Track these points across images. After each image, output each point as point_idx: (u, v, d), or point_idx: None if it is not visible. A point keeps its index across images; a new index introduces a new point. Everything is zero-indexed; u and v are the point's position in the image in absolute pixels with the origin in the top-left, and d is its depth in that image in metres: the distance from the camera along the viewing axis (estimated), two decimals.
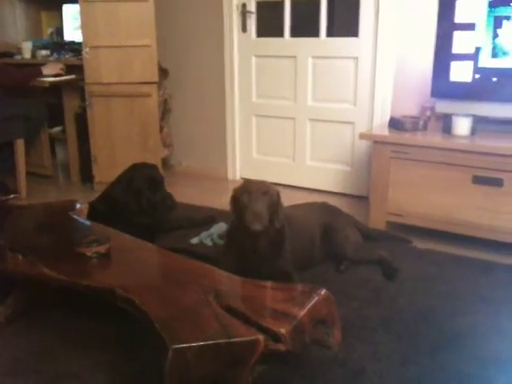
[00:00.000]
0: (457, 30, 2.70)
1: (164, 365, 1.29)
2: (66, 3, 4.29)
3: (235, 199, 2.11)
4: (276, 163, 3.90)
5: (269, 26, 3.83)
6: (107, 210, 2.54)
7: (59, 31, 4.46)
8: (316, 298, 1.55)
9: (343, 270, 2.41)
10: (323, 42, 3.52)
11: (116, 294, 1.60)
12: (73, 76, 3.76)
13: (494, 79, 2.67)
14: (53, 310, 2.12)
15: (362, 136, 2.94)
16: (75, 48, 4.01)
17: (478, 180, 2.58)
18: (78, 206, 2.46)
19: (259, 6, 3.72)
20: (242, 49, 3.82)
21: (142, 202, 2.59)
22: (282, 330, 1.40)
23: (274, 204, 2.08)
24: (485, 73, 2.68)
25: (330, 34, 3.54)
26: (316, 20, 3.49)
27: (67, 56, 4.03)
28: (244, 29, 3.77)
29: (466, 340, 1.90)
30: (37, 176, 4.02)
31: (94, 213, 2.46)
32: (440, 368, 1.74)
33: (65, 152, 4.28)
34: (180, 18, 3.98)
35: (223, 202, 2.58)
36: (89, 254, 1.85)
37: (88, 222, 2.32)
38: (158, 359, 1.36)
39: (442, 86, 2.80)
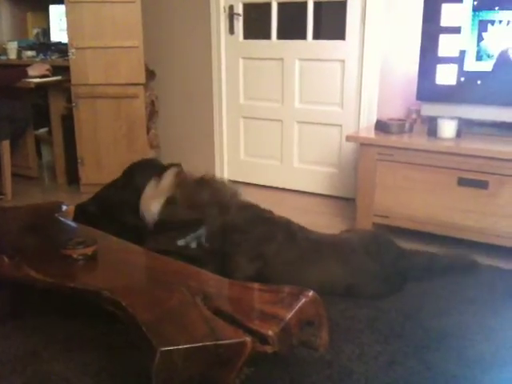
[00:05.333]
0: (442, 33, 2.73)
1: (151, 367, 1.29)
2: (52, 4, 4.26)
3: None
4: (264, 165, 3.91)
5: (256, 28, 3.84)
6: (99, 211, 2.52)
7: (45, 32, 4.43)
8: (303, 300, 1.55)
9: None
10: (310, 44, 3.53)
11: (102, 297, 1.59)
12: (59, 77, 3.72)
13: (479, 82, 2.69)
14: (38, 312, 2.10)
15: (349, 138, 2.96)
16: (62, 49, 3.98)
17: (463, 182, 2.60)
18: (64, 207, 2.45)
19: (246, 8, 3.73)
20: (230, 51, 3.82)
21: (142, 184, 2.54)
22: (270, 332, 1.40)
23: None
24: (470, 76, 2.71)
25: (316, 36, 3.56)
26: (303, 22, 3.50)
27: (53, 57, 4.00)
28: (231, 31, 3.77)
29: (452, 340, 1.91)
30: (22, 177, 3.99)
31: (84, 214, 2.44)
32: (427, 368, 1.76)
33: (51, 153, 4.25)
34: (167, 19, 3.97)
35: None
36: (75, 256, 1.84)
37: (74, 224, 2.30)
38: (144, 361, 1.35)
39: (427, 88, 2.82)
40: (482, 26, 2.63)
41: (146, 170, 2.62)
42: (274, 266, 2.24)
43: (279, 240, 2.28)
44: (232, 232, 2.34)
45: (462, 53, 2.70)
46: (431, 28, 2.75)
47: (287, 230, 2.34)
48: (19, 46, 4.11)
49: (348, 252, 2.28)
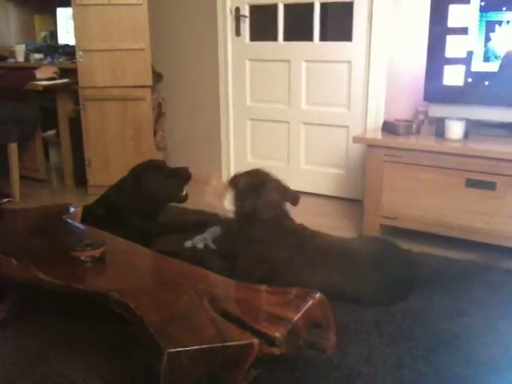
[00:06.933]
0: (449, 34, 2.72)
1: (158, 369, 1.29)
2: (59, 7, 4.28)
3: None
4: (270, 167, 3.87)
5: (262, 30, 3.84)
6: (105, 213, 2.51)
7: (53, 34, 4.45)
8: (311, 302, 1.55)
9: None
10: (317, 46, 3.53)
11: (110, 298, 1.60)
12: (66, 80, 3.74)
13: (487, 83, 2.68)
14: (45, 314, 2.11)
15: (356, 140, 2.95)
16: (69, 51, 3.99)
17: (471, 183, 2.59)
18: (71, 209, 2.45)
19: (253, 9, 3.73)
20: (236, 53, 3.83)
21: (149, 187, 2.54)
22: (277, 334, 1.39)
23: None
24: (477, 76, 2.70)
25: (323, 38, 3.56)
26: (309, 24, 3.50)
27: (61, 59, 4.02)
28: (238, 33, 3.77)
29: (460, 343, 1.90)
30: (30, 180, 4.01)
31: (90, 216, 2.44)
32: (435, 371, 1.75)
33: (58, 155, 4.27)
34: (174, 21, 3.98)
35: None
36: (83, 257, 1.84)
37: (82, 226, 2.30)
38: (151, 363, 1.35)
39: (434, 89, 2.81)
40: (490, 27, 2.62)
41: (152, 173, 2.61)
42: (278, 271, 2.23)
43: (288, 247, 2.29)
44: (241, 236, 2.36)
45: (470, 53, 2.69)
46: (438, 29, 2.74)
47: (297, 238, 2.33)
48: (27, 49, 4.13)
49: (353, 262, 2.22)
